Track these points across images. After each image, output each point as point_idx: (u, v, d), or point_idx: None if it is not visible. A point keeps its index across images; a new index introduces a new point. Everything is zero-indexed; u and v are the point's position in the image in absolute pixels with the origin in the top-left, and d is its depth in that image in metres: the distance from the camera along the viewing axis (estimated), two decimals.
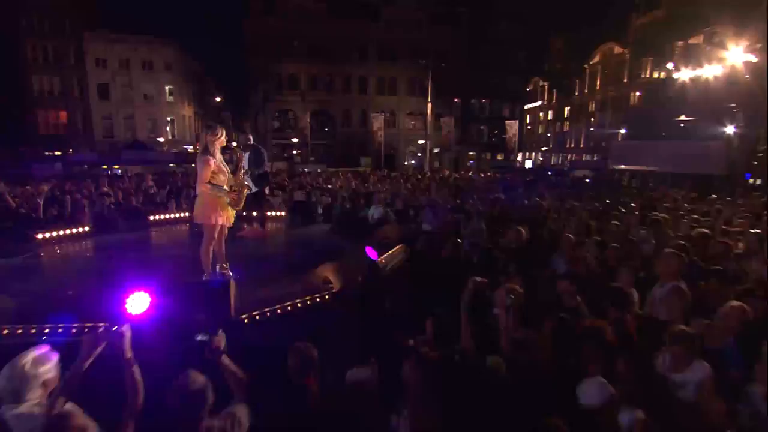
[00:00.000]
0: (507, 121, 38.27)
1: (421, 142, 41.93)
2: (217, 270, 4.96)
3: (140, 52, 36.83)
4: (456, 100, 43.24)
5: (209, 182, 4.36)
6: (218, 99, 47.87)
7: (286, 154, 41.53)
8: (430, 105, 38.51)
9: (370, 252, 4.70)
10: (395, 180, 18.71)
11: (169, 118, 39.88)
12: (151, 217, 8.13)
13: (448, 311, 4.07)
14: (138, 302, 3.46)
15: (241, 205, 4.64)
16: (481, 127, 45.50)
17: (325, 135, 42.50)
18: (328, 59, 40.20)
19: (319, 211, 9.72)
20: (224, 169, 4.49)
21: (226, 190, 4.42)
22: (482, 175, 24.07)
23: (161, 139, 38.31)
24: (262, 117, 42.12)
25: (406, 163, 42.93)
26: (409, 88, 42.51)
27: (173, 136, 39.98)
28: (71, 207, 8.40)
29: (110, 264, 5.60)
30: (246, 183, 4.69)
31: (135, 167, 29.82)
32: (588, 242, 5.46)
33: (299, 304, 3.82)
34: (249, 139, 6.03)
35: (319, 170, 30.04)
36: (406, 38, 40.44)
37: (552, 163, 51.88)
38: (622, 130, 32.54)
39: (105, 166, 30.12)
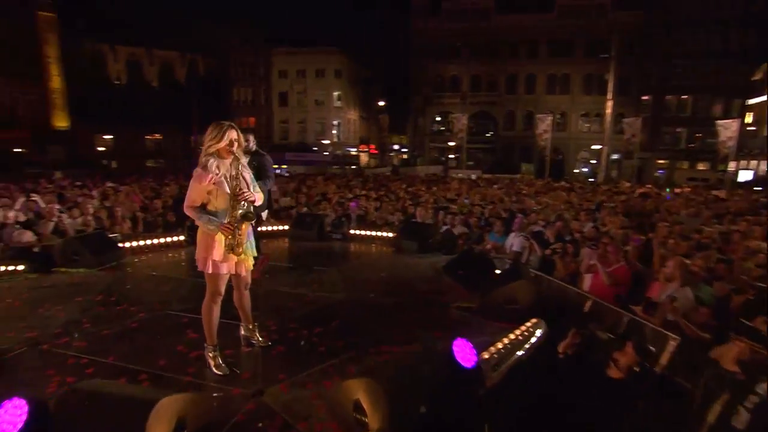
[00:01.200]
0: (719, 122, 29.61)
1: (596, 147, 35.98)
2: (242, 333, 3.48)
3: (314, 62, 39.98)
4: (645, 97, 35.71)
5: (204, 207, 2.88)
6: (381, 103, 49.36)
7: (442, 158, 40.48)
8: (609, 104, 32.64)
9: (461, 350, 2.59)
10: (555, 190, 15.37)
11: (335, 122, 42.52)
12: None
13: None
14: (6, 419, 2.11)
15: (241, 250, 2.97)
16: (678, 130, 36.47)
17: (485, 138, 39.93)
18: (493, 58, 37.52)
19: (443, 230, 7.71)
20: (227, 189, 2.89)
21: (217, 222, 2.86)
22: (678, 191, 18.28)
23: (327, 142, 41.12)
24: (421, 120, 41.90)
25: (576, 170, 37.35)
26: (584, 85, 36.86)
27: (338, 138, 42.52)
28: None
29: (144, 296, 4.67)
30: (249, 211, 2.95)
31: (299, 168, 32.36)
32: None
33: None
34: (251, 145, 4.38)
35: (473, 176, 28.07)
36: (584, 29, 34.97)
37: None
38: None
39: (275, 165, 33.58)
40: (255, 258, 3.25)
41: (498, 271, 4.98)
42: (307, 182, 16.56)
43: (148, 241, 6.49)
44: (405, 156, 49.70)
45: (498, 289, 4.13)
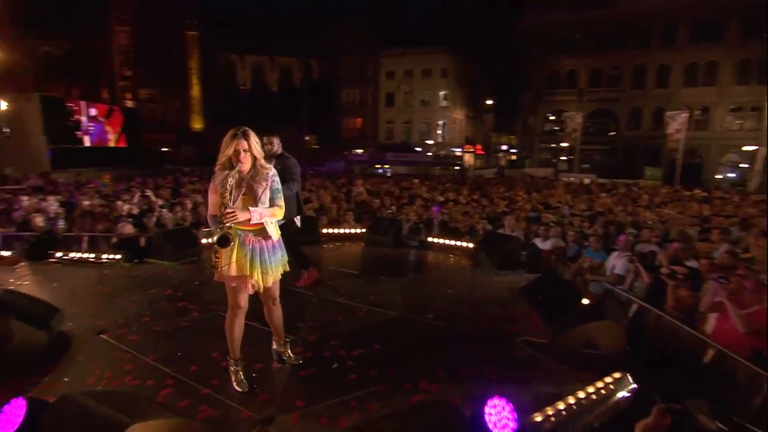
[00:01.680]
0: None
1: (749, 148, 30.09)
2: (274, 347, 3.27)
3: (421, 62, 39.85)
4: None
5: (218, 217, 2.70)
6: (489, 102, 47.48)
7: (554, 160, 37.59)
8: None
9: (496, 414, 2.02)
10: (685, 200, 12.98)
11: (440, 122, 42.00)
12: (325, 230, 7.29)
13: None
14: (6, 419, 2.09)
15: (224, 267, 2.64)
16: None
17: (604, 139, 36.09)
18: (617, 48, 33.71)
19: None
20: (227, 199, 2.60)
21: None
22: None
23: (431, 142, 40.76)
24: (532, 119, 39.44)
25: (719, 176, 31.70)
26: (737, 73, 31.03)
27: (443, 138, 41.95)
28: None
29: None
30: (224, 234, 2.52)
31: (401, 168, 32.56)
32: None
33: None
34: (275, 148, 3.98)
35: (586, 180, 25.43)
36: (742, 4, 29.30)
37: None
38: None
39: (378, 165, 34.27)
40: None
41: (585, 301, 4.10)
42: (402, 183, 16.37)
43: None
44: (513, 157, 47.23)
45: (575, 326, 3.35)
